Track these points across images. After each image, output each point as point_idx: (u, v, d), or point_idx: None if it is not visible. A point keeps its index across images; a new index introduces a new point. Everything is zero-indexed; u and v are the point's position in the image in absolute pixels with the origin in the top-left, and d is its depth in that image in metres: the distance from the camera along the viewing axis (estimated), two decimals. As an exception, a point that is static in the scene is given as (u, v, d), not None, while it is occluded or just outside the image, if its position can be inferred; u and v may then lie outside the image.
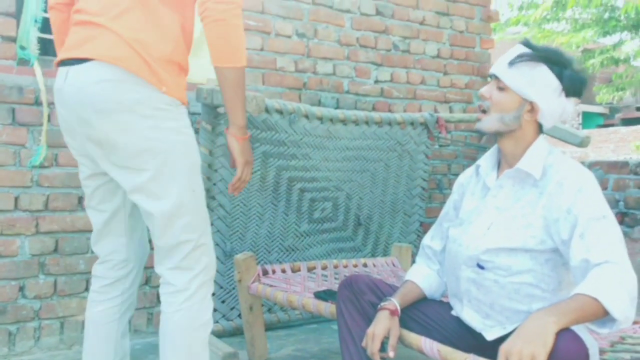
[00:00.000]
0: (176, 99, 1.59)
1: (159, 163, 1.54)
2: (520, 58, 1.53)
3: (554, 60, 1.53)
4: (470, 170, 1.78)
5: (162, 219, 1.56)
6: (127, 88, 1.50)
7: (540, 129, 1.61)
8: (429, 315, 1.70)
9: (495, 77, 1.58)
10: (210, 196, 2.72)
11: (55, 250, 2.60)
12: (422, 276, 1.77)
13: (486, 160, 1.69)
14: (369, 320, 1.66)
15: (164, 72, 1.55)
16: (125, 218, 1.75)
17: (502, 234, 1.54)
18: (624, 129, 17.86)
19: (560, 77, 1.53)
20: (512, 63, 1.53)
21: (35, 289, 2.55)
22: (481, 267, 1.56)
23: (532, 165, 1.55)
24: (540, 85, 1.53)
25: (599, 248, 1.38)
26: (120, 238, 1.75)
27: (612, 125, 21.66)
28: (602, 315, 1.31)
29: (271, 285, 2.35)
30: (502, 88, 1.56)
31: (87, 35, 1.53)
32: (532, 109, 1.55)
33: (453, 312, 1.71)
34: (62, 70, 1.57)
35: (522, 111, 1.55)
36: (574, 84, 1.54)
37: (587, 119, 22.36)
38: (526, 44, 1.59)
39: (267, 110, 2.64)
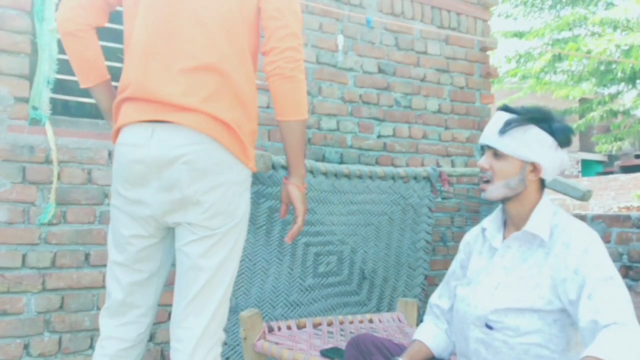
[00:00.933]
0: (252, 172, 1.69)
1: (229, 227, 1.61)
2: (510, 125, 1.57)
3: (540, 118, 1.59)
4: (476, 230, 1.80)
5: (207, 276, 1.59)
6: (222, 153, 1.58)
7: (542, 185, 1.65)
8: (437, 376, 1.70)
9: (488, 147, 1.62)
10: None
11: (61, 307, 2.59)
12: (431, 335, 1.77)
13: (491, 223, 1.72)
14: None
15: (250, 146, 1.65)
16: (159, 282, 1.76)
17: (510, 294, 1.56)
18: (623, 177, 17.95)
19: (551, 132, 1.58)
20: (503, 131, 1.58)
21: (39, 347, 2.54)
22: (490, 327, 1.56)
23: (540, 227, 1.58)
24: (536, 145, 1.58)
25: (607, 309, 1.39)
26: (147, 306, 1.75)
27: (611, 172, 21.80)
28: None
29: (277, 343, 2.34)
30: (499, 156, 1.60)
31: (174, 110, 1.56)
32: (535, 168, 1.59)
33: None
34: (143, 127, 1.58)
35: (526, 172, 1.60)
36: (565, 135, 1.60)
37: (587, 167, 22.50)
38: (506, 109, 1.64)
39: (273, 167, 2.69)
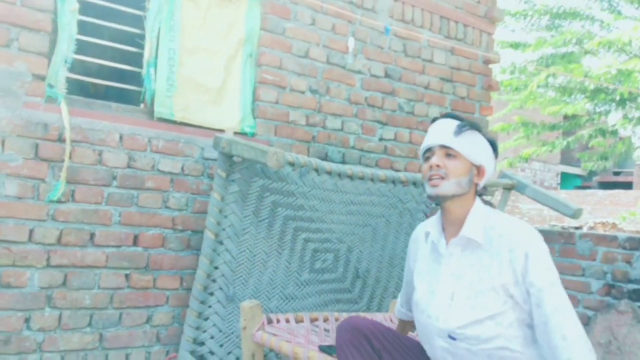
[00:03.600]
0: None
1: None
2: (463, 128, 1.71)
3: (480, 128, 1.75)
4: (419, 234, 1.94)
5: None
6: None
7: (476, 192, 1.77)
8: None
9: (441, 147, 1.72)
10: (218, 241, 2.80)
11: (63, 284, 2.64)
12: (404, 314, 2.17)
13: (433, 227, 1.82)
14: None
15: None
16: None
17: (466, 303, 1.66)
18: (600, 192, 18.33)
19: (490, 141, 1.76)
20: (458, 133, 1.70)
21: (40, 322, 2.58)
22: (453, 338, 1.68)
23: (474, 231, 1.69)
24: (483, 150, 1.74)
25: (554, 322, 1.54)
26: None
27: (589, 187, 22.20)
28: None
29: (275, 335, 2.42)
30: (453, 156, 1.71)
31: None
32: (479, 171, 1.74)
33: None
34: None
35: (473, 174, 1.73)
36: (496, 147, 1.78)
37: (565, 180, 22.87)
38: (453, 117, 1.77)
39: (281, 163, 2.75)
